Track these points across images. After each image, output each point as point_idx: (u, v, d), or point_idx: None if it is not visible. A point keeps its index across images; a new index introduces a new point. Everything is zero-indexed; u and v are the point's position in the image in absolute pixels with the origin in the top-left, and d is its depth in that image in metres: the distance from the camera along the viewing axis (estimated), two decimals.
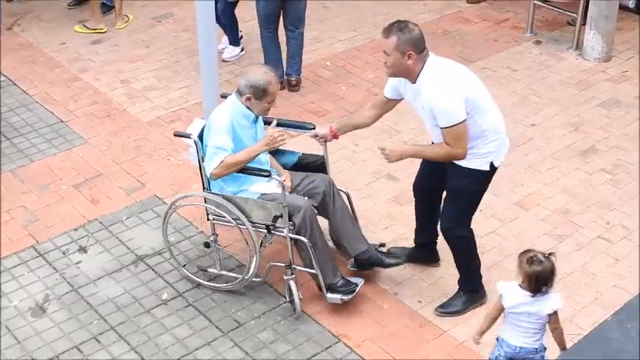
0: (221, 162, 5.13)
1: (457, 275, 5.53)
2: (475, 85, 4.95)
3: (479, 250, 5.76)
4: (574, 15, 8.57)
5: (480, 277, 5.50)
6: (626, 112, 7.52)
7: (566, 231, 6.13)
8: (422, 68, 4.84)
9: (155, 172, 6.84)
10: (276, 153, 5.67)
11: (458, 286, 5.51)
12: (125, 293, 5.71)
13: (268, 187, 5.36)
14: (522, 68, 8.35)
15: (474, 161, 4.97)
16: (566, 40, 8.72)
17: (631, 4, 9.08)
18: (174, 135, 5.84)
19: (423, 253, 5.79)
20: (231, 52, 8.58)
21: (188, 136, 5.43)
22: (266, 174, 5.22)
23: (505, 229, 6.17)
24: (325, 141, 5.56)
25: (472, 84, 4.92)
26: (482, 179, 5.12)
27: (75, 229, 6.31)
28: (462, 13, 9.50)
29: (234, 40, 8.59)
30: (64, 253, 6.09)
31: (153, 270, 5.89)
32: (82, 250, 6.13)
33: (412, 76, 4.87)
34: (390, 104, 5.31)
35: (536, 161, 6.90)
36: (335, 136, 5.51)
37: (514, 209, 6.38)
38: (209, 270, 5.79)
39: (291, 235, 5.28)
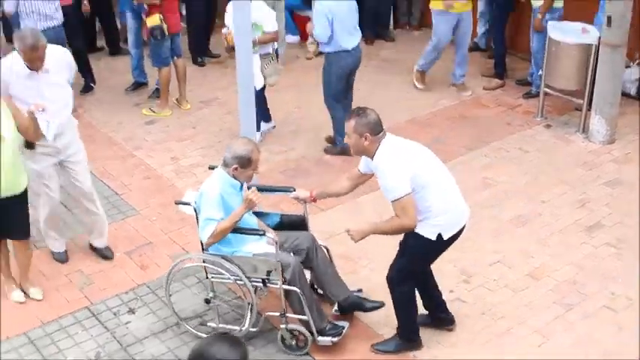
0: (213, 232, 5.27)
1: (471, 339, 5.59)
2: (424, 164, 5.07)
3: (493, 318, 5.77)
4: (580, 101, 8.57)
5: (417, 328, 5.53)
6: (630, 191, 7.46)
7: (574, 300, 6.05)
8: (378, 148, 4.99)
9: (198, 242, 6.82)
10: (260, 215, 5.79)
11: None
12: (169, 352, 5.71)
13: (258, 246, 5.48)
14: (534, 150, 8.35)
15: (422, 228, 5.04)
16: (574, 124, 8.72)
17: (632, 92, 9.11)
18: (175, 203, 5.98)
19: (436, 316, 5.74)
20: (264, 126, 8.67)
21: (188, 204, 5.66)
22: (261, 232, 5.40)
23: (517, 298, 6.09)
24: (305, 202, 5.72)
25: (421, 163, 5.04)
26: (427, 245, 5.15)
27: (125, 293, 6.34)
28: (479, 99, 9.56)
29: (266, 117, 8.70)
30: (114, 314, 6.12)
31: (194, 331, 5.86)
32: (131, 311, 6.15)
33: (370, 154, 5.05)
34: (362, 178, 5.48)
35: (545, 235, 6.85)
36: (314, 200, 5.73)
37: (525, 280, 6.31)
38: (208, 324, 5.82)
39: (284, 286, 5.36)
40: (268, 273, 5.39)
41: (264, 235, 5.42)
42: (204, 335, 5.74)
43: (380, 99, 9.46)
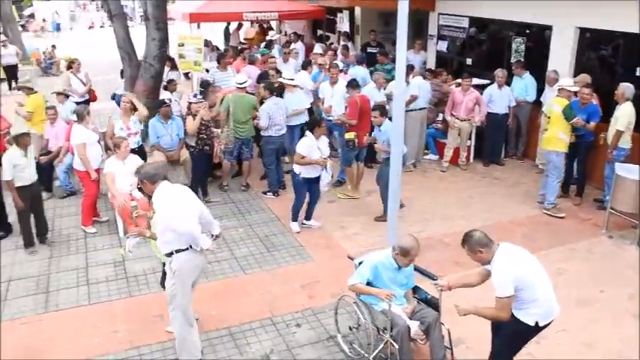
0: (354, 284, 5.17)
1: None
2: (530, 268, 4.56)
3: None
4: (636, 221, 7.82)
5: None
6: None
7: None
8: (493, 255, 4.56)
9: None
10: (417, 289, 5.49)
11: None
12: (318, 358, 5.58)
13: (392, 307, 5.12)
14: (598, 253, 7.64)
15: (523, 316, 4.58)
16: (630, 237, 7.92)
17: None
18: (347, 257, 5.86)
19: None
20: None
21: (353, 259, 5.59)
22: (380, 299, 5.16)
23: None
24: (442, 290, 5.13)
25: (527, 268, 4.55)
26: (524, 330, 4.63)
27: (296, 312, 6.28)
28: (560, 211, 8.86)
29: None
30: (287, 325, 6.06)
31: (338, 346, 5.70)
32: (298, 325, 6.07)
33: (488, 261, 4.60)
34: (488, 275, 4.83)
35: (601, 316, 6.21)
36: (449, 288, 5.09)
37: (581, 346, 5.72)
38: (353, 345, 5.57)
39: (390, 339, 5.07)
40: (384, 327, 5.14)
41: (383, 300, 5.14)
42: (348, 350, 5.59)
43: (491, 204, 9.13)
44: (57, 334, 5.96)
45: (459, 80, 10.73)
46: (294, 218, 8.29)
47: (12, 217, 8.15)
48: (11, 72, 18.96)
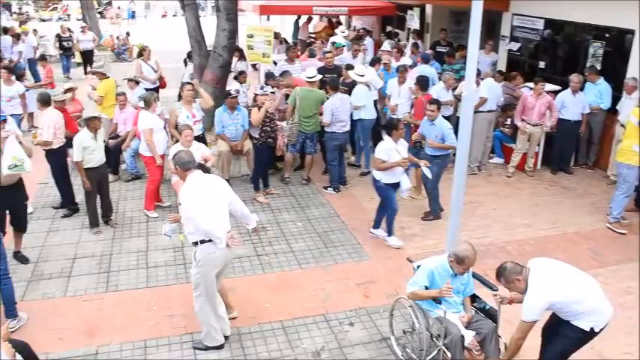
0: (412, 291, 5.04)
1: None
2: (567, 287, 4.48)
3: None
4: None
5: None
6: None
7: None
8: (527, 284, 4.51)
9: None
10: (475, 297, 5.31)
11: None
12: (370, 358, 5.48)
13: (448, 314, 4.99)
14: None
15: (581, 322, 4.49)
16: None
17: None
18: (407, 259, 5.68)
19: None
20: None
21: (412, 262, 5.42)
22: (438, 302, 5.05)
23: None
24: (501, 302, 4.99)
25: (562, 289, 4.46)
26: (580, 335, 4.54)
27: (350, 310, 6.19)
28: (631, 226, 8.40)
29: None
30: (340, 323, 5.98)
31: (390, 349, 5.59)
32: (351, 324, 5.98)
33: (524, 290, 4.56)
34: None
35: None
36: (510, 302, 4.94)
37: None
38: (406, 349, 5.46)
39: (442, 347, 4.92)
40: (438, 336, 4.99)
41: (440, 304, 5.02)
42: (400, 354, 5.48)
43: (556, 214, 8.78)
44: (115, 314, 6.10)
45: (531, 84, 10.38)
46: (390, 232, 7.75)
47: (79, 197, 8.41)
48: (87, 57, 19.66)
